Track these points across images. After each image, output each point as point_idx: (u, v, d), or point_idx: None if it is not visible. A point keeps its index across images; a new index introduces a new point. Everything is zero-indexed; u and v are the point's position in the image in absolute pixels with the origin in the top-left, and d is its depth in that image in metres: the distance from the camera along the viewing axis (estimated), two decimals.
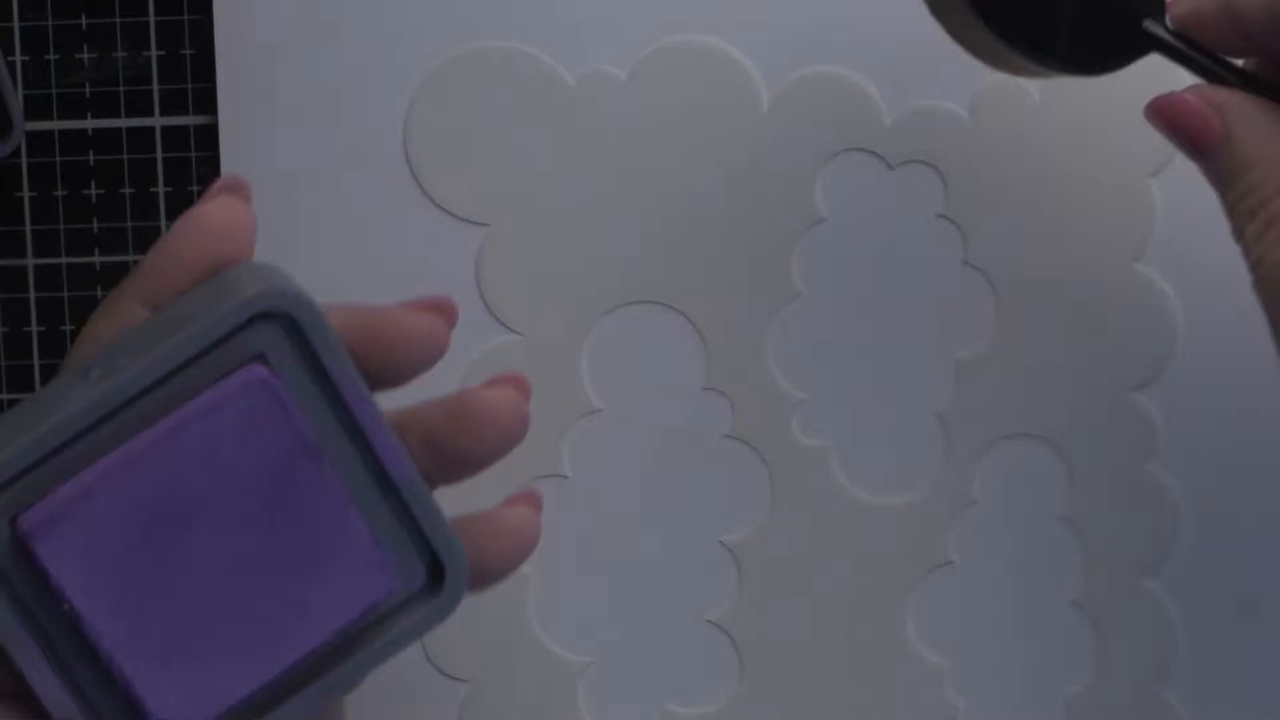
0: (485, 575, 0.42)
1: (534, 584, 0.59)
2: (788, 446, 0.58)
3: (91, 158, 0.59)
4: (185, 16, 0.58)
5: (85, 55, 0.59)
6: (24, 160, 0.59)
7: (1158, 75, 0.48)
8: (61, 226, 0.59)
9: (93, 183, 0.59)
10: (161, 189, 0.59)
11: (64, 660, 0.38)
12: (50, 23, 0.59)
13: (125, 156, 0.59)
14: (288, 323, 0.38)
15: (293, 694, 0.39)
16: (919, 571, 0.58)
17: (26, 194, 0.59)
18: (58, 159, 0.59)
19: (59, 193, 0.59)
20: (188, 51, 0.59)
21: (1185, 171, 0.57)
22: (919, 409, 0.58)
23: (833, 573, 0.58)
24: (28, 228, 0.59)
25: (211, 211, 0.39)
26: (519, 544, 0.43)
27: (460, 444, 0.41)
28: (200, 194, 0.40)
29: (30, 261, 0.59)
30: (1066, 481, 0.58)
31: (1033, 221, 0.57)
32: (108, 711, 0.38)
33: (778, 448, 0.58)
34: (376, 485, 0.40)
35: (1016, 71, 0.41)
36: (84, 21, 0.59)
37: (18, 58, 0.59)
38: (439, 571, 0.41)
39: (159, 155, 0.59)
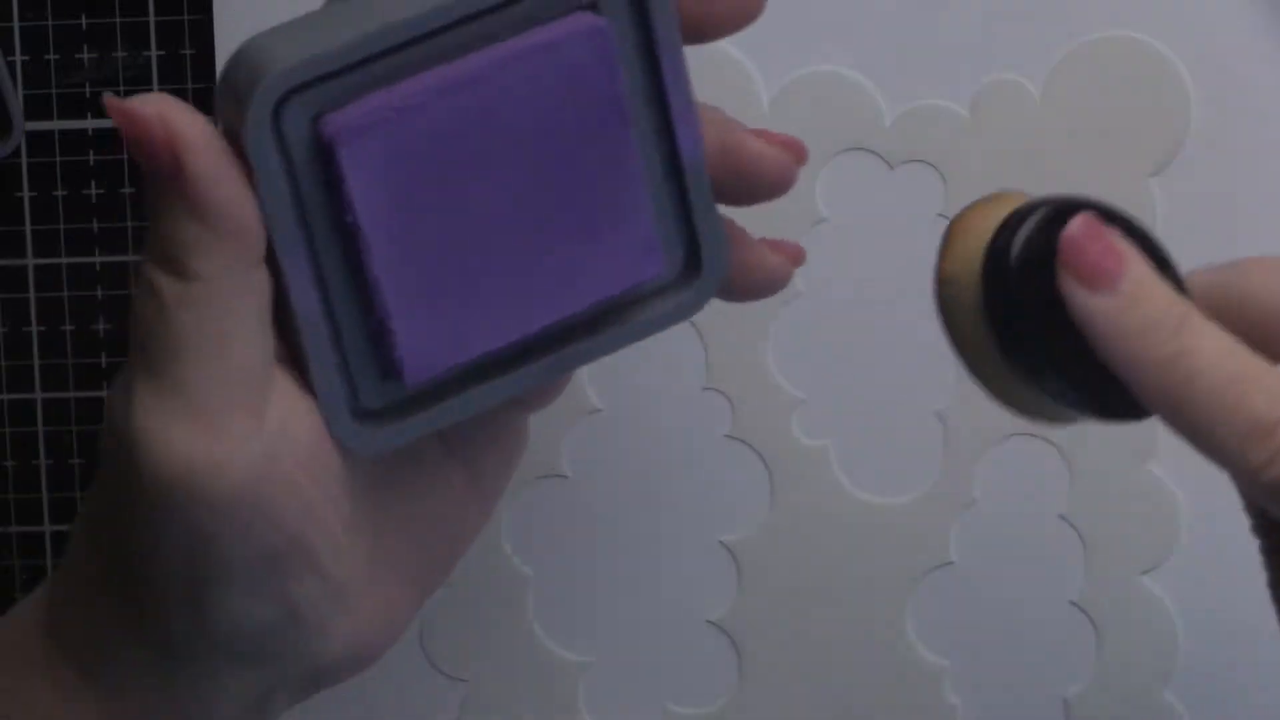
0: (729, 290, 0.42)
1: (534, 584, 0.59)
2: (788, 446, 0.58)
3: (91, 158, 0.59)
4: (185, 16, 0.58)
5: (85, 55, 0.59)
6: (24, 160, 0.59)
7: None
8: (61, 226, 0.59)
9: (93, 183, 0.59)
10: None
11: (324, 277, 0.36)
12: (50, 23, 0.59)
13: (125, 156, 0.59)
14: None
15: (531, 360, 0.38)
16: (919, 571, 0.58)
17: (26, 194, 0.59)
18: (58, 159, 0.59)
19: (59, 193, 0.59)
20: (188, 51, 0.59)
21: (1185, 171, 0.57)
22: (919, 409, 0.58)
23: (832, 573, 0.58)
24: (28, 228, 0.59)
25: None
26: (770, 281, 0.42)
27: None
28: None
29: (30, 261, 0.59)
30: (1066, 481, 0.58)
31: None
32: (357, 340, 0.37)
33: (778, 448, 0.58)
34: (662, 163, 0.38)
35: (1054, 422, 0.40)
36: (84, 21, 0.59)
37: (18, 58, 0.59)
38: (696, 263, 0.40)
39: None
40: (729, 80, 0.57)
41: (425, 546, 0.42)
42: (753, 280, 0.42)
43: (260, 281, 0.36)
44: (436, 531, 0.42)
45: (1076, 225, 0.35)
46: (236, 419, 0.36)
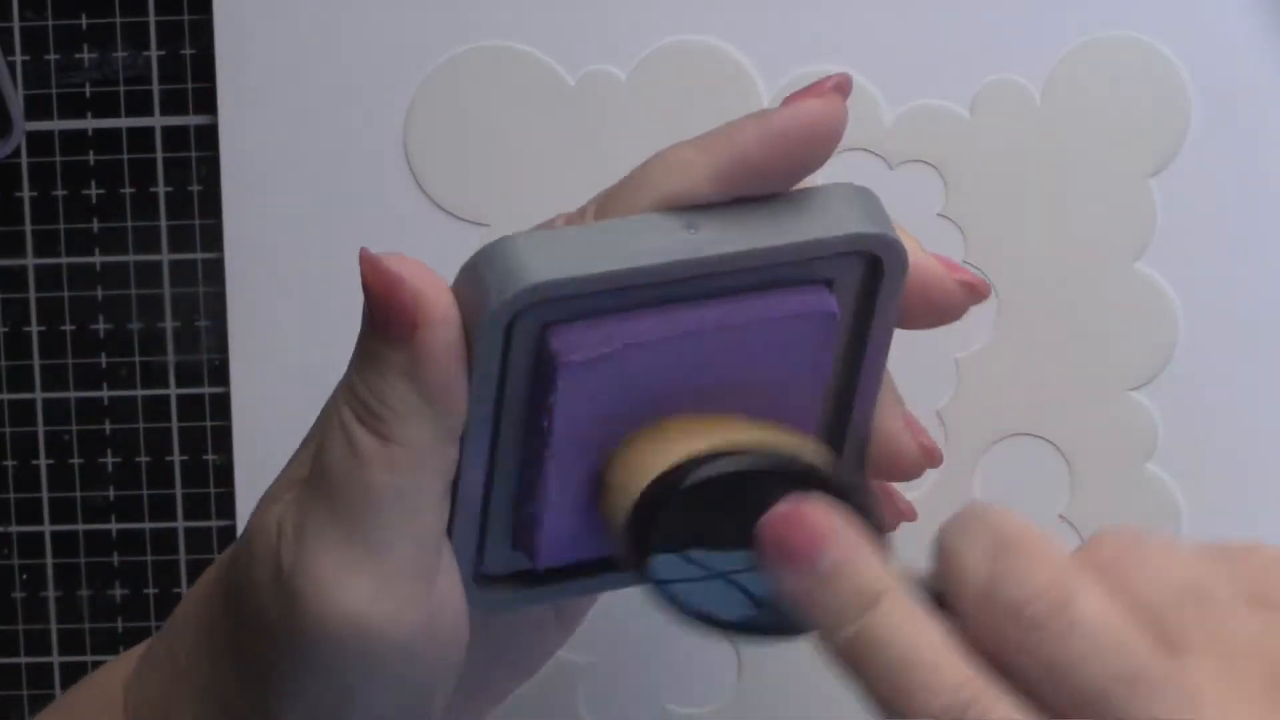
0: None
1: None
2: None
3: (91, 158, 0.59)
4: (185, 16, 0.58)
5: (85, 55, 0.59)
6: (24, 160, 0.59)
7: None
8: (61, 226, 0.59)
9: (93, 183, 0.59)
10: (161, 189, 0.59)
11: (494, 454, 0.37)
12: (50, 22, 0.59)
13: (125, 156, 0.59)
14: (871, 261, 0.37)
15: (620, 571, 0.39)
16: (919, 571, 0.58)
17: (26, 194, 0.59)
18: (58, 159, 0.59)
19: (59, 193, 0.59)
20: (188, 51, 0.59)
21: (1185, 171, 0.57)
22: (919, 409, 0.58)
23: None
24: (28, 228, 0.59)
25: (820, 110, 0.37)
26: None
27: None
28: (808, 86, 0.38)
29: (30, 261, 0.59)
30: (1066, 481, 0.58)
31: (1033, 221, 0.57)
32: (500, 511, 0.38)
33: None
34: (832, 422, 0.39)
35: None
36: (84, 21, 0.59)
37: (18, 58, 0.59)
38: None
39: (159, 155, 0.59)
40: (729, 80, 0.57)
41: (508, 666, 0.44)
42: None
43: (451, 456, 0.37)
44: (519, 656, 0.44)
45: (783, 508, 0.35)
46: (412, 582, 0.37)
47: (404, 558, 0.36)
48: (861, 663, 0.33)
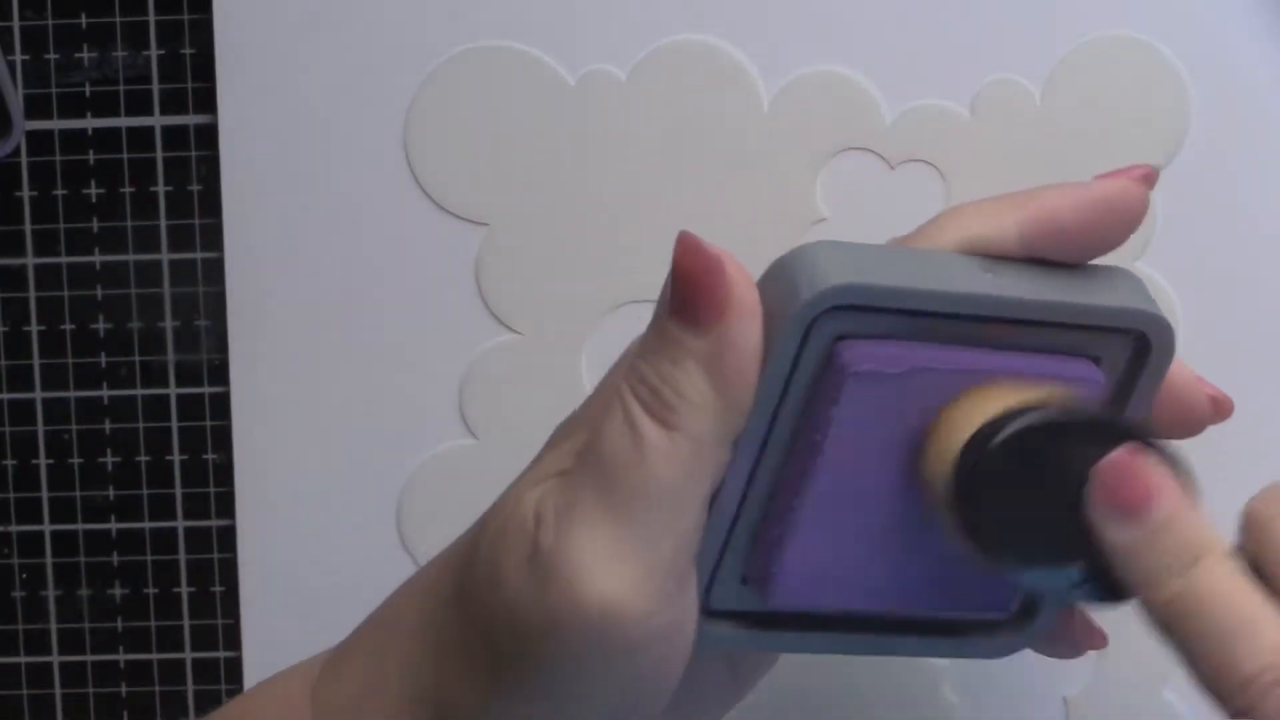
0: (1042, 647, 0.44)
1: None
2: None
3: (91, 157, 0.59)
4: (185, 16, 0.58)
5: (85, 55, 0.59)
6: (24, 160, 0.59)
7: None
8: (61, 226, 0.59)
9: (93, 182, 0.59)
10: (161, 188, 0.59)
11: (754, 471, 0.37)
12: (50, 22, 0.59)
13: (125, 156, 0.59)
14: (1135, 343, 0.38)
15: (854, 629, 0.39)
16: None
17: (26, 193, 0.59)
18: (58, 158, 0.59)
19: (59, 192, 0.59)
20: (188, 51, 0.59)
21: (1185, 171, 0.57)
22: None
23: None
24: (28, 227, 0.59)
25: (1130, 193, 0.38)
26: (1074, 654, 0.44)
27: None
28: (1126, 168, 0.39)
29: (30, 261, 0.59)
30: None
31: None
32: (740, 540, 0.38)
33: None
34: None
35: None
36: (84, 21, 0.59)
37: (18, 57, 0.59)
38: (1027, 612, 0.42)
39: (159, 154, 0.59)
40: (729, 80, 0.57)
41: (667, 713, 0.42)
42: (1058, 654, 0.44)
43: (724, 459, 0.36)
44: (682, 705, 0.42)
45: (1119, 456, 0.35)
46: (672, 582, 0.36)
47: (668, 555, 0.36)
48: (1181, 620, 0.34)
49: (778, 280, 0.36)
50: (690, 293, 0.36)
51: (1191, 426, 0.41)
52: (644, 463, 0.35)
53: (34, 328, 0.59)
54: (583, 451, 0.37)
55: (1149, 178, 0.38)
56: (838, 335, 0.36)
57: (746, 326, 0.35)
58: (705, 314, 0.35)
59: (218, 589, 0.60)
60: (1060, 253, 0.38)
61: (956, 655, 0.41)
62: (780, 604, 0.38)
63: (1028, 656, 0.58)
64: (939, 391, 0.36)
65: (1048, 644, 0.43)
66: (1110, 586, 0.36)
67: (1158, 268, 0.57)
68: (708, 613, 0.39)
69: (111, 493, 0.60)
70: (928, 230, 0.39)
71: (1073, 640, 0.43)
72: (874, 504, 0.37)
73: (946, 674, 0.59)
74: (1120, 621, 0.59)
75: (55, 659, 0.61)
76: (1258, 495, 0.36)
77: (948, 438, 0.36)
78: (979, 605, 0.40)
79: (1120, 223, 0.38)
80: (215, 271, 0.59)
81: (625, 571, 0.35)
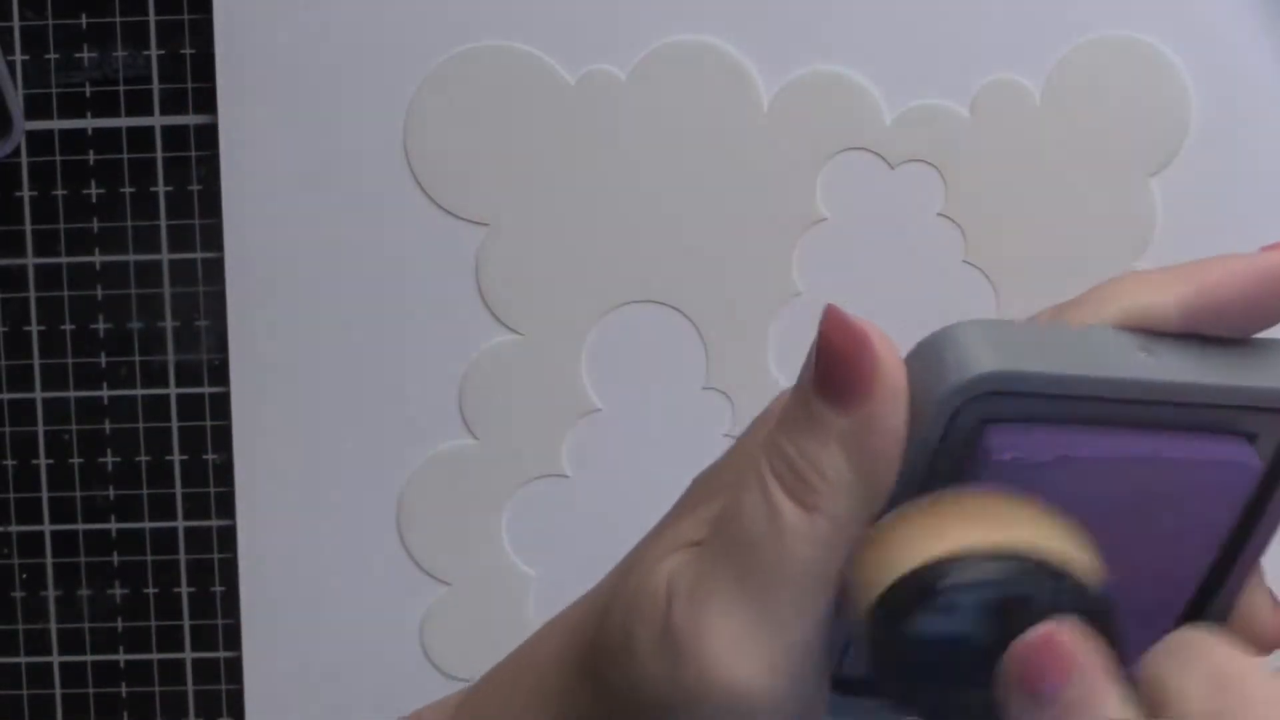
0: None
1: (535, 584, 0.59)
2: None
3: (91, 157, 0.59)
4: (185, 16, 0.58)
5: (85, 55, 0.59)
6: (24, 160, 0.59)
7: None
8: (61, 226, 0.59)
9: (93, 182, 0.59)
10: (161, 188, 0.59)
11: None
12: (50, 22, 0.59)
13: (125, 156, 0.59)
14: None
15: (971, 705, 0.39)
16: None
17: (26, 193, 0.59)
18: (58, 158, 0.59)
19: (59, 192, 0.59)
20: (188, 51, 0.59)
21: (1185, 171, 0.57)
22: None
23: None
24: (28, 227, 0.59)
25: None
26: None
27: None
28: None
29: (30, 261, 0.59)
30: None
31: (1033, 221, 0.57)
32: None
33: None
34: (1206, 578, 0.39)
35: None
36: (84, 21, 0.59)
37: (18, 57, 0.59)
38: None
39: (159, 155, 0.59)
40: (729, 80, 0.57)
41: None
42: None
43: (861, 536, 0.35)
44: None
45: (1041, 632, 0.34)
46: (805, 665, 0.35)
47: (804, 637, 0.35)
48: None
49: (926, 360, 0.35)
50: (836, 369, 0.35)
51: None
52: (782, 543, 0.35)
53: (34, 328, 0.59)
54: (718, 524, 0.36)
55: None
56: (984, 418, 0.35)
57: (892, 408, 0.34)
58: (851, 393, 0.35)
59: (218, 589, 0.60)
60: (1222, 328, 0.37)
61: None
62: None
63: None
64: (1084, 477, 0.36)
65: None
66: None
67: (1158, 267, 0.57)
68: (840, 681, 0.38)
69: (111, 493, 0.60)
70: (1087, 302, 0.38)
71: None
72: None
73: None
74: None
75: (55, 659, 0.61)
76: (1157, 651, 0.34)
77: (880, 565, 0.36)
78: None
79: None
80: (215, 271, 0.59)
81: (759, 654, 0.35)
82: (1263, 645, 0.40)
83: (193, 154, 0.59)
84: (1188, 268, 0.37)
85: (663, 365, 0.58)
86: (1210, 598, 0.39)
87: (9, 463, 0.60)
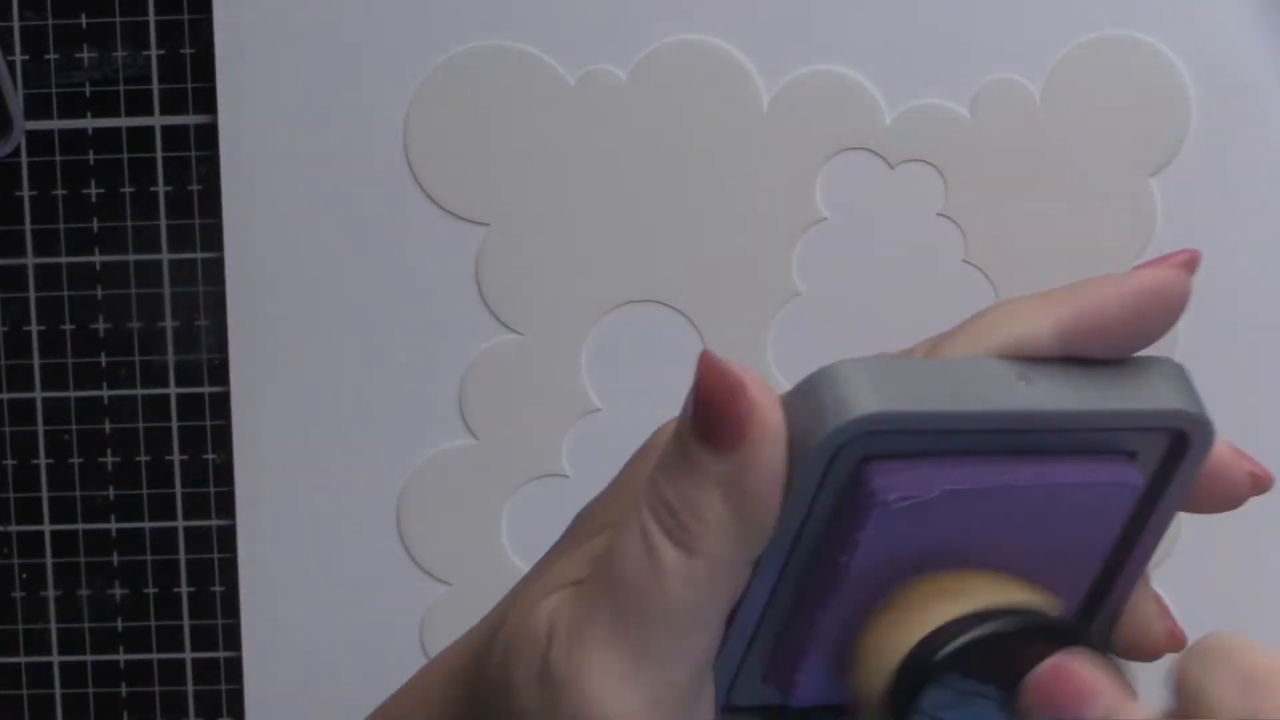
0: None
1: None
2: None
3: (91, 157, 0.59)
4: (185, 16, 0.58)
5: (85, 55, 0.59)
6: (24, 160, 0.59)
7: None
8: (61, 226, 0.59)
9: (93, 182, 0.59)
10: (161, 188, 0.59)
11: (776, 583, 0.37)
12: (50, 22, 0.59)
13: (125, 156, 0.59)
14: (1173, 436, 0.38)
15: None
16: None
17: (26, 193, 0.59)
18: (58, 158, 0.59)
19: (59, 192, 0.59)
20: (188, 51, 0.59)
21: (1185, 171, 0.57)
22: None
23: None
24: (28, 227, 0.59)
25: (1179, 286, 0.37)
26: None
27: None
28: (1169, 256, 0.39)
29: (30, 261, 0.59)
30: None
31: (1033, 221, 0.57)
32: (762, 642, 0.37)
33: None
34: (1093, 589, 0.39)
35: None
36: (84, 21, 0.59)
37: (18, 57, 0.59)
38: None
39: (159, 154, 0.59)
40: (729, 80, 0.57)
41: None
42: None
43: (744, 578, 0.36)
44: None
45: (1054, 662, 0.34)
46: (684, 704, 0.36)
47: (682, 677, 0.35)
48: None
49: (805, 401, 0.35)
50: (711, 414, 0.35)
51: (1229, 504, 0.41)
52: (660, 586, 0.35)
53: (34, 328, 0.59)
54: (598, 564, 0.36)
55: (1191, 263, 0.37)
56: (865, 456, 0.35)
57: (768, 451, 0.35)
58: (726, 437, 0.35)
59: (218, 589, 0.60)
60: (1100, 350, 0.37)
61: None
62: (801, 701, 0.38)
63: None
64: (969, 508, 0.36)
65: None
66: None
67: None
68: (728, 709, 0.38)
69: (111, 493, 0.60)
70: (966, 332, 0.38)
71: (1149, 654, 0.42)
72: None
73: None
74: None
75: (55, 659, 0.61)
76: (1188, 654, 0.34)
77: (884, 647, 0.36)
78: None
79: (1163, 315, 0.37)
80: (215, 271, 0.59)
81: (636, 695, 0.35)
82: (1152, 652, 0.40)
83: (193, 154, 0.59)
84: (1063, 292, 0.37)
85: (663, 365, 0.58)
86: (1097, 606, 0.39)
87: (9, 463, 0.60)
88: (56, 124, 0.59)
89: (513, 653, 0.37)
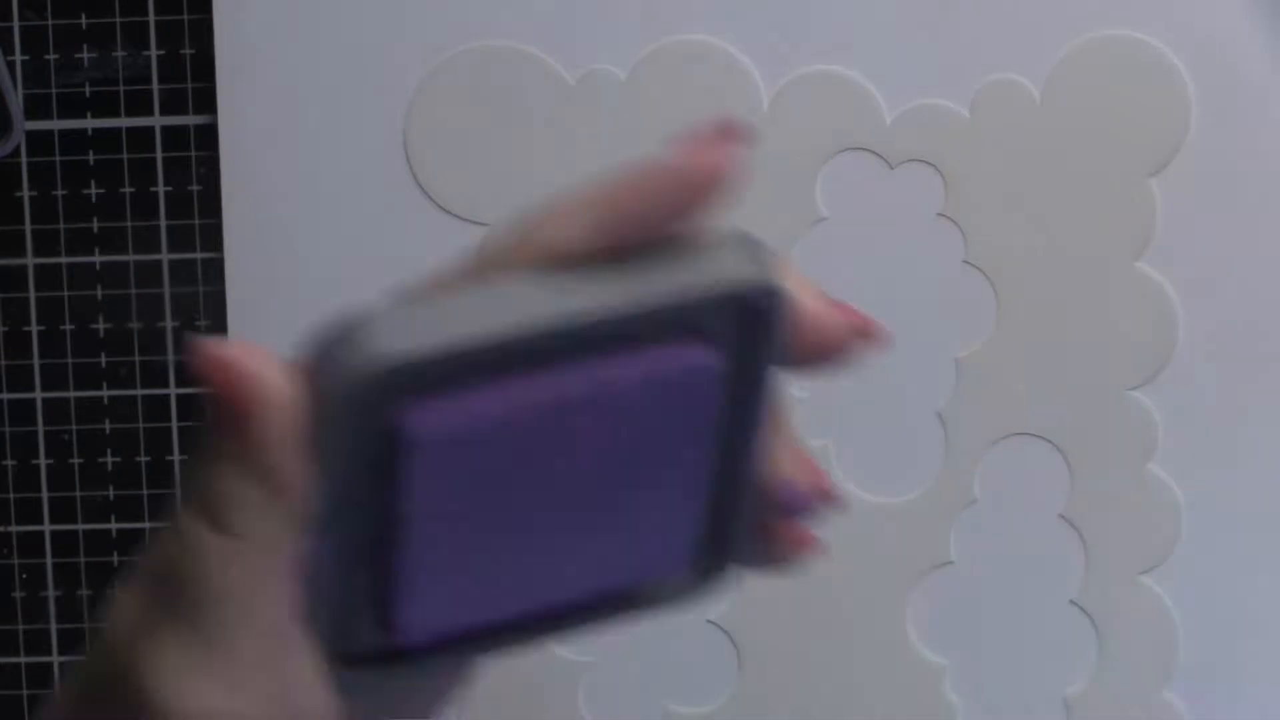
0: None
1: None
2: None
3: (91, 157, 0.59)
4: (185, 16, 0.58)
5: (85, 55, 0.59)
6: (24, 160, 0.59)
7: None
8: (61, 226, 0.59)
9: (93, 182, 0.59)
10: (161, 188, 0.59)
11: (350, 532, 0.36)
12: (50, 22, 0.59)
13: (125, 156, 0.59)
14: (751, 309, 0.36)
15: (523, 626, 0.39)
16: (919, 571, 0.58)
17: (26, 194, 0.59)
18: (58, 159, 0.59)
19: (59, 192, 0.59)
20: (188, 51, 0.59)
21: (1185, 171, 0.57)
22: (919, 409, 0.58)
23: (833, 572, 0.58)
24: (28, 227, 0.59)
25: (711, 160, 0.36)
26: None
27: None
28: (701, 131, 0.37)
29: (30, 261, 0.59)
30: (1066, 481, 0.58)
31: (1033, 221, 0.57)
32: (361, 590, 0.37)
33: None
34: (721, 465, 0.38)
35: None
36: (84, 21, 0.59)
37: (18, 57, 0.59)
38: (713, 562, 0.40)
39: (159, 155, 0.59)
40: (729, 80, 0.57)
41: None
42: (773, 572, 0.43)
43: (295, 543, 0.36)
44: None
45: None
46: (259, 676, 0.36)
47: (251, 652, 0.36)
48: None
49: (319, 361, 0.35)
50: (216, 400, 0.35)
51: (829, 354, 0.40)
52: (199, 569, 0.35)
53: (34, 328, 0.59)
54: (144, 562, 0.37)
55: (727, 131, 0.36)
56: (403, 400, 0.34)
57: (275, 423, 0.35)
58: (227, 417, 0.35)
59: None
60: (641, 239, 0.36)
61: (641, 619, 0.40)
62: (411, 640, 0.38)
63: (1029, 656, 0.59)
64: (536, 432, 0.35)
65: (758, 566, 0.41)
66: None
67: (1158, 268, 0.57)
68: (355, 658, 0.38)
69: (111, 493, 0.60)
70: (501, 247, 0.37)
71: (784, 557, 0.40)
72: (501, 524, 0.36)
73: (947, 673, 0.59)
74: (1120, 621, 0.59)
75: (55, 659, 0.61)
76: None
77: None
78: (656, 570, 0.39)
79: (699, 193, 0.36)
80: (215, 271, 0.59)
81: (209, 685, 0.35)
82: (802, 503, 0.39)
83: (193, 154, 0.59)
84: (593, 186, 0.37)
85: None
86: (731, 484, 0.38)
87: (9, 463, 0.60)
88: (56, 124, 0.59)
89: (89, 666, 0.37)
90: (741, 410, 0.38)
